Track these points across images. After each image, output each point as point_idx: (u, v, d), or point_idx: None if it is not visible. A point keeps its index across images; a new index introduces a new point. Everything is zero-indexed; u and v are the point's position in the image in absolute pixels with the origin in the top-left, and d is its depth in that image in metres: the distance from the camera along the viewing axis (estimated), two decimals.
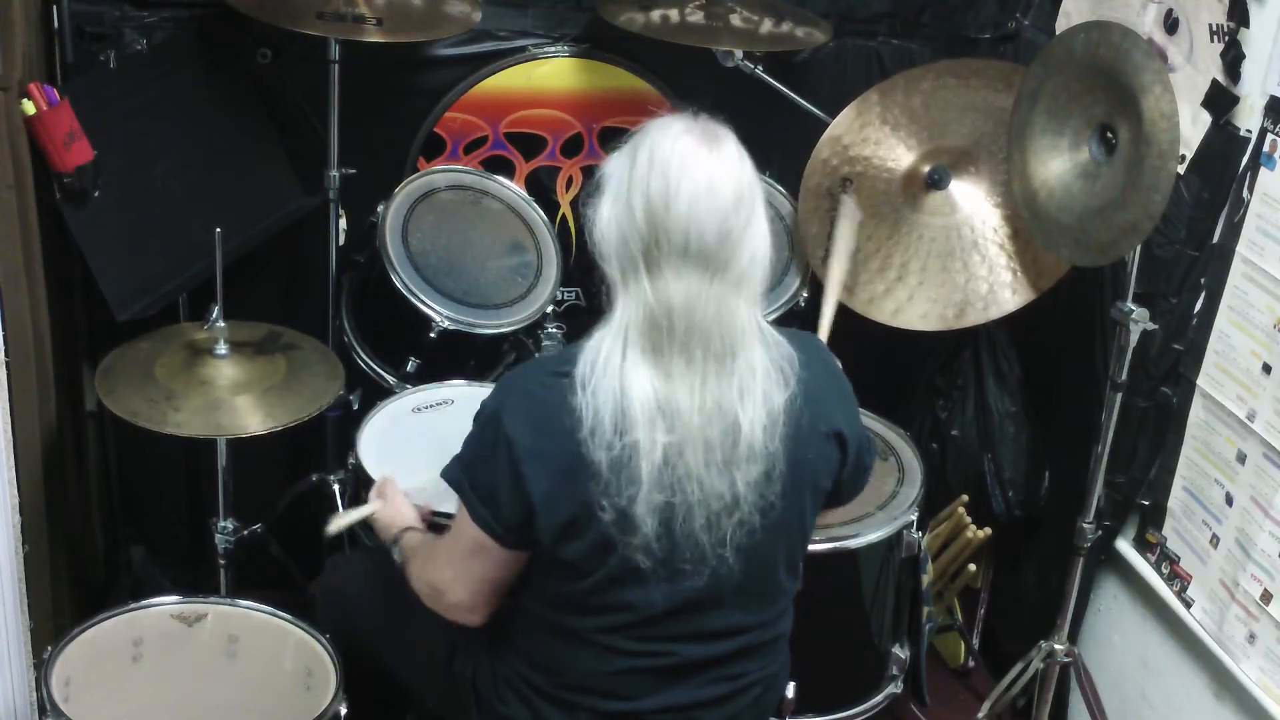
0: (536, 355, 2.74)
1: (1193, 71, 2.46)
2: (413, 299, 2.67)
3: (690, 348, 1.70)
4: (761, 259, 1.74)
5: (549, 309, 2.76)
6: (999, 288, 2.79)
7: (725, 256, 1.69)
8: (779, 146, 3.02)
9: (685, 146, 1.70)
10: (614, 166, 1.76)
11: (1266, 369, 2.33)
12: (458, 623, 1.95)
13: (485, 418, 1.81)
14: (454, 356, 2.70)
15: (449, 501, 1.91)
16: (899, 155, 2.82)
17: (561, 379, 1.74)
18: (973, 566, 3.04)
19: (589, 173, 3.05)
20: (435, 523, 2.15)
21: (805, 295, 2.88)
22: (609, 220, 1.73)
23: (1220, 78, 2.41)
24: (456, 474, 1.85)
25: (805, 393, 1.77)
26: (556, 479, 1.74)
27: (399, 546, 2.07)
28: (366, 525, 2.44)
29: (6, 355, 2.24)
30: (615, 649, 1.85)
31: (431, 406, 2.59)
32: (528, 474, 1.75)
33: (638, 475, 1.71)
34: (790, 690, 2.14)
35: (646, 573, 1.77)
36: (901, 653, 2.72)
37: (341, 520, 2.19)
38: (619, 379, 1.70)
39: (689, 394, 1.71)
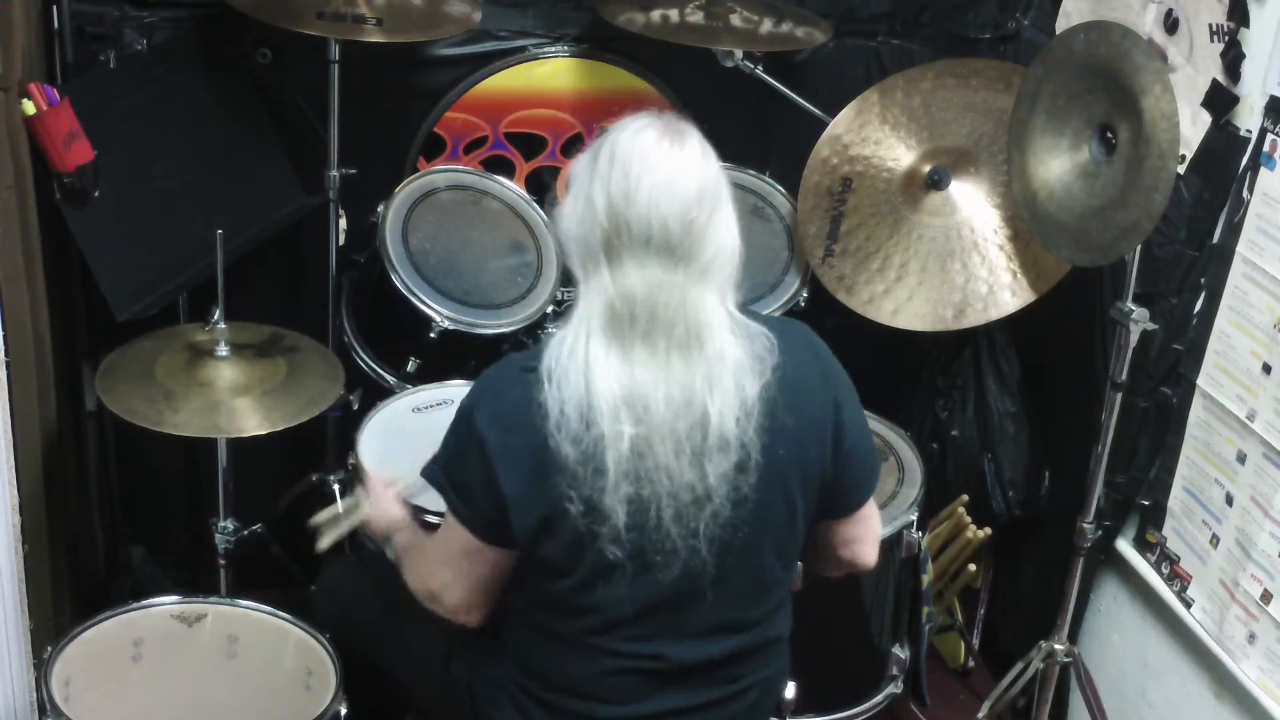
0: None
1: (1193, 71, 2.46)
2: (413, 299, 2.67)
3: (653, 337, 1.70)
4: (729, 250, 1.75)
5: (549, 309, 2.76)
6: (998, 289, 2.79)
7: (689, 246, 1.70)
8: (779, 146, 3.03)
9: (646, 142, 1.71)
10: (579, 166, 1.78)
11: (1266, 369, 2.33)
12: (457, 625, 1.95)
13: (459, 416, 1.83)
14: (454, 356, 2.70)
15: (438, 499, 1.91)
16: (899, 155, 2.82)
17: (529, 374, 1.75)
18: (973, 566, 3.04)
19: None
20: (424, 521, 2.14)
21: (805, 295, 2.88)
22: (570, 215, 1.75)
23: (1220, 78, 2.41)
24: (435, 473, 1.86)
25: (784, 382, 1.76)
26: (527, 477, 1.75)
27: (391, 547, 2.07)
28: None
29: (6, 355, 2.24)
30: (602, 650, 1.85)
31: (431, 406, 2.59)
32: (500, 473, 1.75)
33: (605, 466, 1.71)
34: (790, 690, 2.13)
35: (621, 567, 1.77)
36: (901, 653, 2.72)
37: (330, 537, 2.16)
38: (583, 371, 1.71)
39: (654, 385, 1.71)
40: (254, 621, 2.27)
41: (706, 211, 1.71)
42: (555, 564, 1.80)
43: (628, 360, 1.71)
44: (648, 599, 1.81)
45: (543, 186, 3.03)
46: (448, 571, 1.89)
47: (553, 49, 2.97)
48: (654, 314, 1.70)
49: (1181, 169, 2.44)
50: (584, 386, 1.71)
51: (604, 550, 1.76)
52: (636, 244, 1.69)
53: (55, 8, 2.63)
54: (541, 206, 2.77)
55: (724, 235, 1.74)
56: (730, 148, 1.80)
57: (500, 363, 1.91)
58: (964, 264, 2.81)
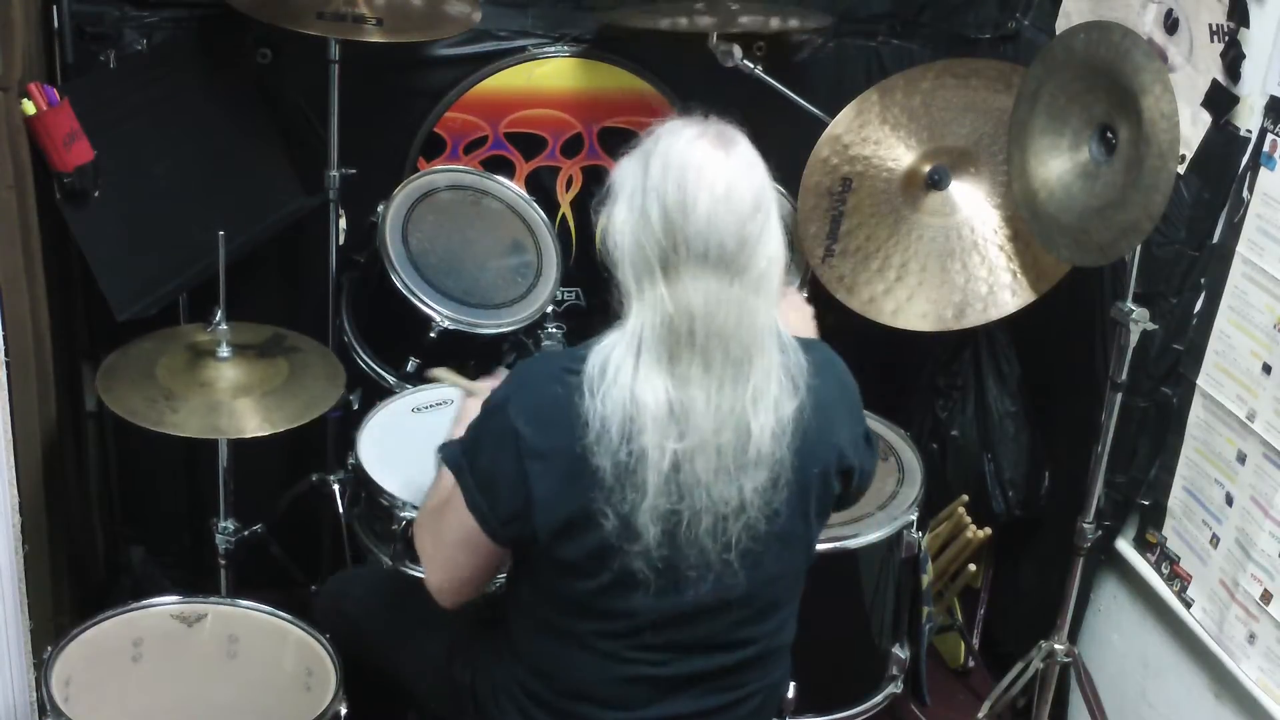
0: (552, 346, 2.73)
1: (1193, 71, 2.47)
2: (413, 299, 2.67)
3: (709, 353, 1.68)
4: (778, 259, 1.72)
5: (549, 309, 2.76)
6: (999, 289, 2.79)
7: (744, 260, 1.67)
8: (779, 146, 3.01)
9: (700, 151, 1.67)
10: (626, 172, 1.72)
11: (1266, 369, 2.33)
12: (458, 628, 1.95)
13: (493, 405, 1.78)
14: (454, 356, 2.69)
15: None
16: (899, 155, 2.82)
17: (572, 377, 1.71)
18: (973, 566, 3.04)
19: (589, 173, 3.05)
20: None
21: (805, 295, 2.87)
22: (623, 228, 1.69)
23: (1220, 78, 2.41)
24: (457, 458, 1.81)
25: (814, 402, 1.75)
26: (559, 479, 1.72)
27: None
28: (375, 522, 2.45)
29: (6, 355, 2.24)
30: (616, 656, 1.83)
31: (431, 406, 2.59)
32: (531, 469, 1.72)
33: (643, 483, 1.69)
34: (790, 690, 2.14)
35: (648, 580, 1.75)
36: (901, 653, 2.72)
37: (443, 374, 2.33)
38: (630, 388, 1.67)
39: (704, 400, 1.68)
40: (254, 621, 2.27)
41: (760, 223, 1.68)
42: (576, 566, 1.77)
43: (679, 375, 1.68)
44: (672, 611, 1.79)
45: (543, 187, 3.03)
46: (437, 550, 1.87)
47: (553, 49, 2.97)
48: (711, 330, 1.67)
49: (1181, 169, 2.44)
50: (629, 403, 1.67)
51: (632, 565, 1.74)
52: (694, 259, 1.66)
53: (55, 8, 2.63)
54: (545, 209, 2.77)
55: (774, 245, 1.71)
56: None
57: (541, 358, 1.87)
58: (964, 264, 2.81)
